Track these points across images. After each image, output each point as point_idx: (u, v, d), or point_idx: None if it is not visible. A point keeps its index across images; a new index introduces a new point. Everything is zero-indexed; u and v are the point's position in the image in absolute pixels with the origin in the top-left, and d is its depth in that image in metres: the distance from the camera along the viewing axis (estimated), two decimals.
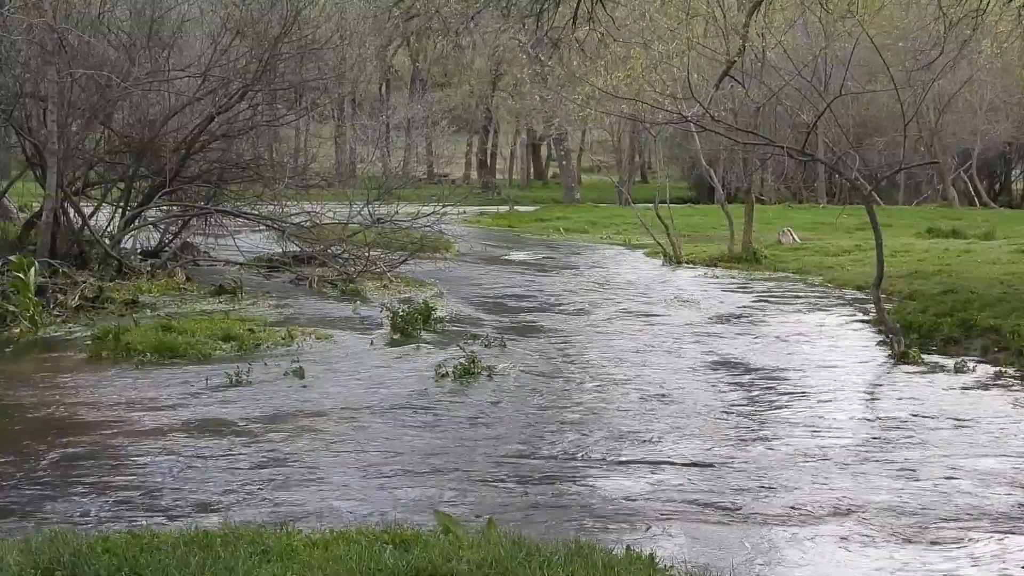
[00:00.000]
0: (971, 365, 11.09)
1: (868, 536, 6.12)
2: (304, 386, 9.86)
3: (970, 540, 6.07)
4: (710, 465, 7.53)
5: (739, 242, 22.75)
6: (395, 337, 12.28)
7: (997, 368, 10.99)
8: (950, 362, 11.27)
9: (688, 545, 5.92)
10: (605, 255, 25.53)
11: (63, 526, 5.81)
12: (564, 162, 50.16)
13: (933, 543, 6.03)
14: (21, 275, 12.73)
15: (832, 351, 12.45)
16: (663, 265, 22.71)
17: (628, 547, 5.42)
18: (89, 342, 11.53)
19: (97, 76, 15.87)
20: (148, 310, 13.61)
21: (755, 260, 21.89)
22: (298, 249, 18.29)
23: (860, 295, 16.64)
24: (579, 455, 7.82)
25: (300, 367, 10.29)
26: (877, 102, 36.92)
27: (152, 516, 6.22)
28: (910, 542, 6.05)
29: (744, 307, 16.08)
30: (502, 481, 7.12)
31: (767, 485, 7.03)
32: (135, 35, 17.68)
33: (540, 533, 5.77)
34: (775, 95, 17.06)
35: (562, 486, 7.09)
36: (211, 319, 12.81)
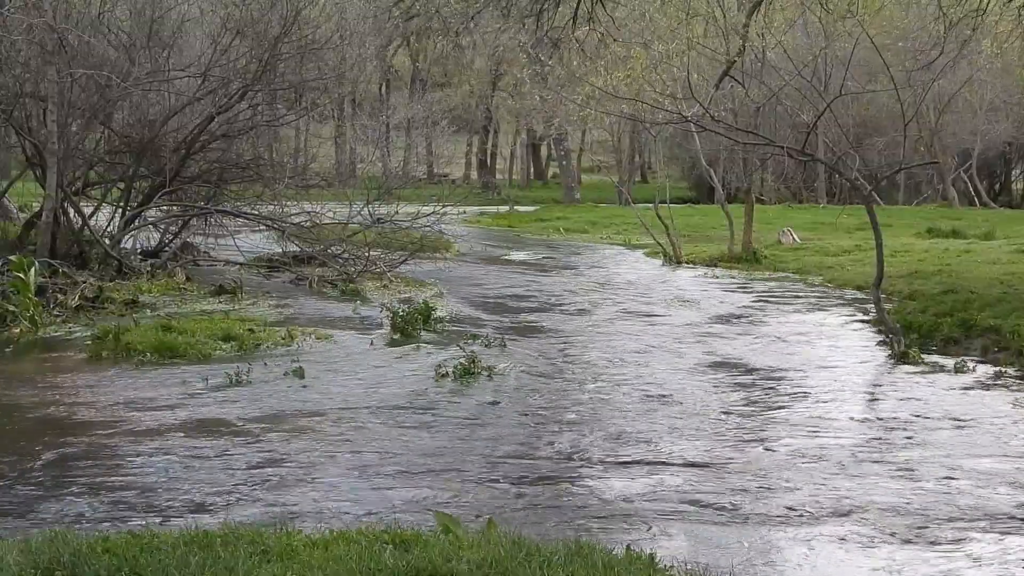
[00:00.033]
0: (971, 365, 11.09)
1: (868, 537, 6.12)
2: (304, 386, 9.86)
3: (970, 540, 6.08)
4: (710, 465, 7.53)
5: (739, 242, 22.75)
6: (395, 337, 12.29)
7: (997, 368, 10.99)
8: (950, 362, 11.27)
9: (688, 545, 5.92)
10: (605, 255, 25.53)
11: (56, 526, 5.81)
12: (564, 162, 50.16)
13: (933, 543, 6.03)
14: (21, 275, 12.73)
15: (832, 351, 12.45)
16: (663, 265, 22.71)
17: (628, 547, 5.42)
18: (89, 342, 11.53)
19: (97, 76, 15.87)
20: (148, 310, 13.61)
21: (755, 260, 21.89)
22: (298, 249, 18.29)
23: (860, 295, 16.64)
24: (579, 455, 7.82)
25: (300, 367, 10.30)
26: (877, 102, 36.92)
27: (146, 516, 6.21)
28: (910, 542, 6.05)
29: (744, 307, 16.08)
30: (502, 481, 7.12)
31: (767, 485, 7.04)
32: (135, 35, 17.68)
33: (540, 533, 5.77)
34: (775, 95, 17.07)
35: (562, 486, 7.09)
36: (211, 319, 12.81)
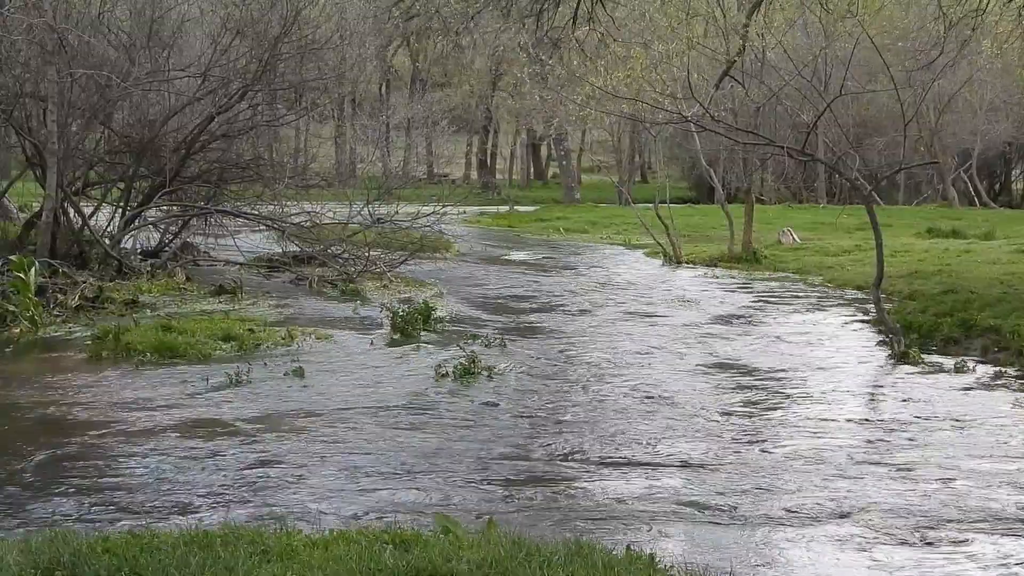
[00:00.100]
0: (971, 365, 11.09)
1: (868, 537, 6.11)
2: (304, 386, 9.87)
3: (970, 542, 6.07)
4: (710, 466, 7.53)
5: (739, 242, 22.75)
6: (395, 337, 12.29)
7: (997, 368, 10.99)
8: (950, 362, 11.27)
9: (688, 546, 5.92)
10: (605, 255, 25.53)
11: (47, 526, 5.83)
12: (564, 162, 50.16)
13: (933, 544, 6.02)
14: (21, 275, 12.73)
15: (832, 351, 12.45)
16: (663, 265, 22.71)
17: (628, 547, 5.42)
18: (89, 342, 11.53)
19: (97, 76, 15.87)
20: (148, 310, 13.61)
21: (755, 260, 21.90)
22: (298, 249, 18.29)
23: (860, 295, 16.64)
24: (579, 456, 7.82)
25: (300, 367, 10.30)
26: (877, 102, 36.92)
27: (140, 516, 6.20)
28: (910, 543, 6.04)
29: (744, 307, 16.08)
30: (502, 481, 7.12)
31: (767, 486, 7.03)
32: (135, 35, 17.68)
33: (540, 533, 5.77)
34: (775, 95, 17.05)
35: (562, 486, 7.09)
36: (211, 319, 12.81)
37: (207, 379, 9.90)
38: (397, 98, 47.68)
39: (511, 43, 26.94)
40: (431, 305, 13.45)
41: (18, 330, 12.22)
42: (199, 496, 6.67)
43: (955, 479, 7.20)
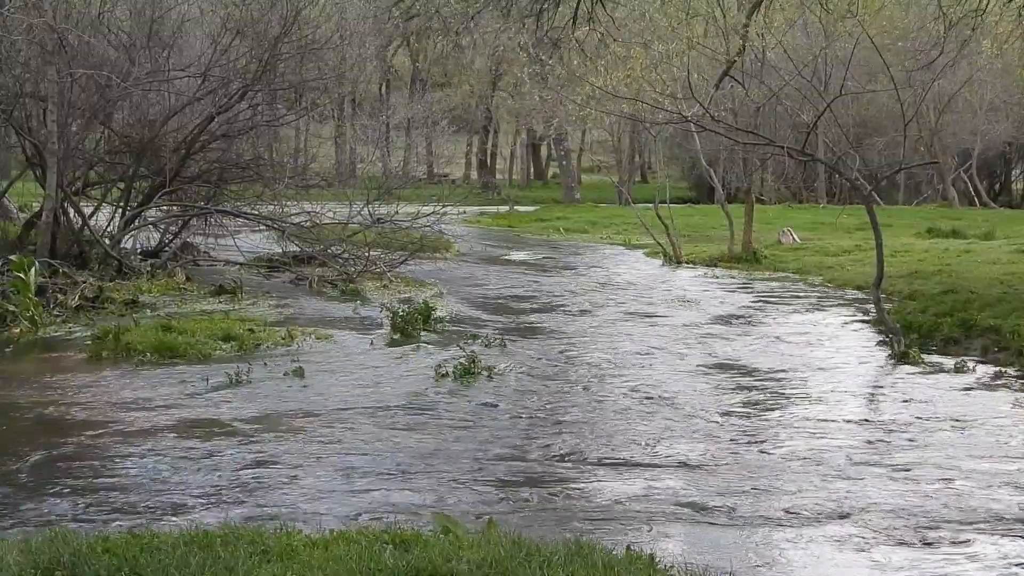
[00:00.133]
0: (971, 365, 11.09)
1: (868, 538, 6.11)
2: (304, 386, 9.87)
3: (971, 542, 6.07)
4: (710, 467, 7.53)
5: (739, 242, 22.75)
6: (395, 337, 12.29)
7: (997, 368, 10.99)
8: (950, 362, 11.27)
9: (688, 546, 5.92)
10: (605, 255, 25.53)
11: (38, 526, 5.83)
12: (564, 162, 50.16)
13: (933, 545, 6.02)
14: (21, 275, 12.73)
15: (832, 351, 12.44)
16: (663, 265, 22.71)
17: (628, 547, 5.42)
18: (89, 342, 11.53)
19: (97, 76, 15.87)
20: (148, 310, 13.61)
21: (755, 260, 21.89)
22: (298, 249, 18.29)
23: (860, 295, 16.64)
24: (579, 456, 7.82)
25: (300, 367, 10.30)
26: (877, 102, 36.91)
27: (133, 516, 6.20)
28: (910, 544, 6.04)
29: (744, 307, 16.08)
30: (502, 481, 7.12)
31: (766, 487, 7.03)
32: (135, 35, 17.68)
33: (540, 533, 5.76)
34: (775, 95, 17.05)
35: (562, 487, 7.09)
36: (211, 319, 12.81)
37: (207, 379, 9.90)
38: (397, 98, 47.67)
39: (511, 43, 26.94)
40: (431, 305, 13.45)
41: (18, 330, 12.22)
42: (196, 496, 6.66)
43: (955, 479, 7.20)
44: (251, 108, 19.26)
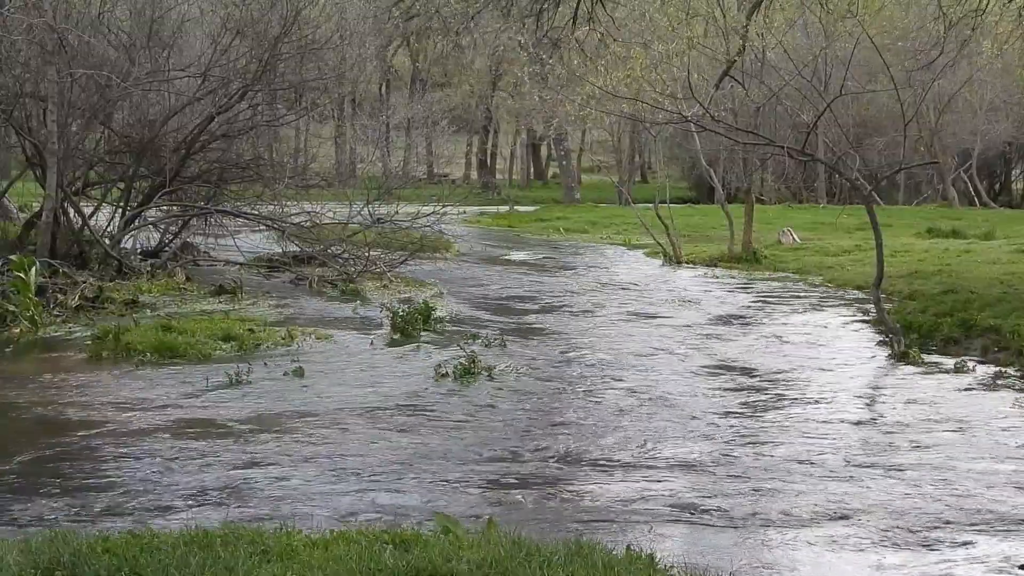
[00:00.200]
0: (971, 365, 11.09)
1: (868, 538, 6.11)
2: (303, 386, 9.87)
3: (971, 543, 6.07)
4: (710, 467, 7.52)
5: (739, 242, 22.75)
6: (395, 337, 12.29)
7: (997, 368, 10.99)
8: (950, 362, 11.27)
9: (688, 547, 5.92)
10: (605, 255, 25.53)
11: (29, 527, 5.83)
12: (564, 162, 50.15)
13: (933, 546, 6.02)
14: (21, 275, 12.73)
15: (832, 351, 12.44)
16: (663, 265, 22.70)
17: (628, 547, 5.42)
18: (89, 342, 11.53)
19: (97, 76, 15.87)
20: (148, 310, 13.61)
21: (755, 260, 21.89)
22: (298, 249, 18.28)
23: (860, 295, 16.64)
24: (578, 456, 7.81)
25: (300, 367, 10.30)
26: (877, 102, 36.89)
27: (132, 518, 6.19)
28: (910, 544, 6.04)
29: (744, 307, 16.08)
30: (502, 481, 7.12)
31: (766, 487, 7.03)
32: (135, 35, 17.67)
33: (540, 533, 5.76)
34: (775, 95, 17.06)
35: (561, 487, 7.09)
36: (211, 319, 12.81)
37: (207, 379, 9.90)
38: (397, 98, 47.66)
39: (511, 43, 26.93)
40: (431, 305, 13.45)
41: (18, 330, 12.22)
42: (194, 497, 6.66)
43: (956, 480, 7.20)
44: (251, 108, 19.25)
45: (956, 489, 6.99)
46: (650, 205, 25.92)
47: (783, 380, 10.70)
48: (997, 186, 49.88)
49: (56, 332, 12.40)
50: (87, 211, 17.47)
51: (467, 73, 51.24)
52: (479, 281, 19.12)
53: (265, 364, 10.60)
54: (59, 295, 13.64)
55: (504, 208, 41.60)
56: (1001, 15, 18.43)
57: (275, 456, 7.58)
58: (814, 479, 7.21)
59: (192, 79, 17.98)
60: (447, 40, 40.47)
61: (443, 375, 10.18)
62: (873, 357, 12.01)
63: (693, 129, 18.40)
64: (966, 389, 10.21)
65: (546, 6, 16.92)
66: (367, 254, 17.78)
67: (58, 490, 6.76)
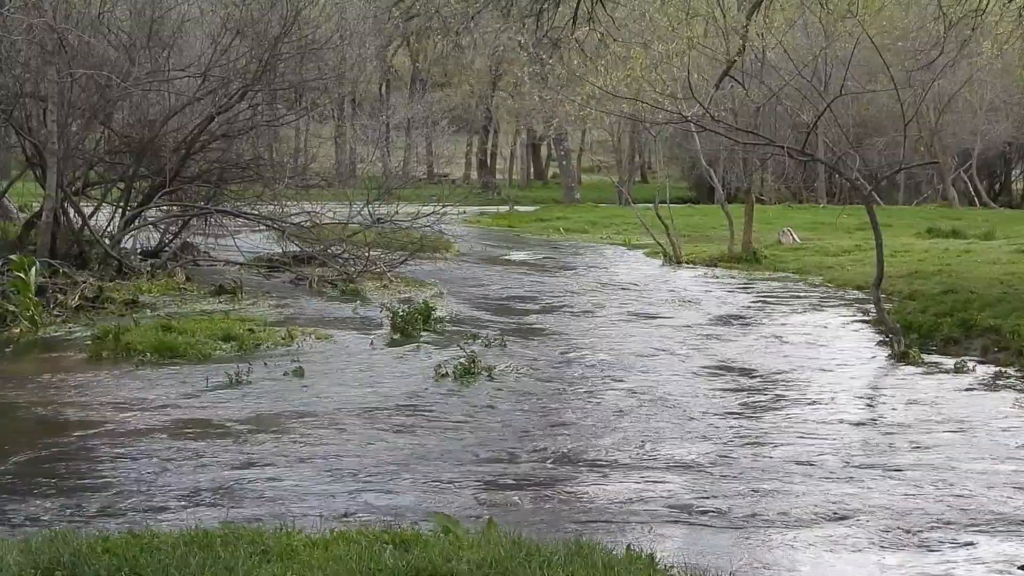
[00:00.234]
0: (971, 365, 11.09)
1: (868, 539, 6.11)
2: (303, 386, 9.87)
3: (971, 543, 6.06)
4: (710, 468, 7.52)
5: (739, 242, 22.75)
6: (395, 337, 12.29)
7: (997, 368, 10.99)
8: (950, 362, 11.27)
9: (688, 547, 5.92)
10: (605, 255, 25.53)
11: (23, 528, 5.83)
12: (564, 162, 50.14)
13: (933, 546, 6.02)
14: (21, 275, 12.73)
15: (832, 351, 12.44)
16: (663, 265, 22.70)
17: (628, 547, 5.42)
18: (89, 342, 11.53)
19: (97, 76, 15.87)
20: (148, 310, 13.61)
21: (755, 260, 21.89)
22: (298, 249, 18.28)
23: (860, 295, 16.64)
24: (578, 457, 7.81)
25: (300, 367, 10.30)
26: (877, 102, 36.88)
27: (129, 518, 6.19)
28: (910, 545, 6.04)
29: (744, 307, 16.08)
30: (502, 482, 7.12)
31: (766, 488, 7.03)
32: (135, 35, 17.67)
33: (540, 533, 5.76)
34: (775, 95, 17.06)
35: (561, 487, 7.09)
36: (211, 319, 12.81)
37: (207, 379, 9.90)
38: (397, 98, 47.65)
39: (511, 43, 26.94)
40: (431, 305, 13.45)
41: (18, 330, 12.22)
42: (193, 497, 6.66)
43: (956, 480, 7.19)
44: (251, 108, 19.25)
45: (956, 490, 6.99)
46: (650, 205, 25.92)
47: (783, 380, 10.70)
48: (997, 186, 49.87)
49: (56, 332, 12.40)
50: (87, 211, 17.47)
51: (467, 73, 51.23)
52: (479, 281, 19.12)
53: (265, 364, 10.60)
54: (59, 295, 13.64)
55: (504, 208, 41.59)
56: (1001, 15, 18.42)
57: (274, 456, 7.58)
58: (814, 480, 7.21)
59: (192, 79, 17.98)
60: (447, 40, 40.43)
61: (443, 375, 10.18)
62: (873, 357, 12.01)
63: (693, 129, 18.40)
64: (966, 389, 10.21)
65: (546, 6, 16.92)
66: (367, 254, 17.78)
67: (55, 490, 6.76)
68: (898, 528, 6.25)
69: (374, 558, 5.00)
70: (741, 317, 15.10)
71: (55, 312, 13.08)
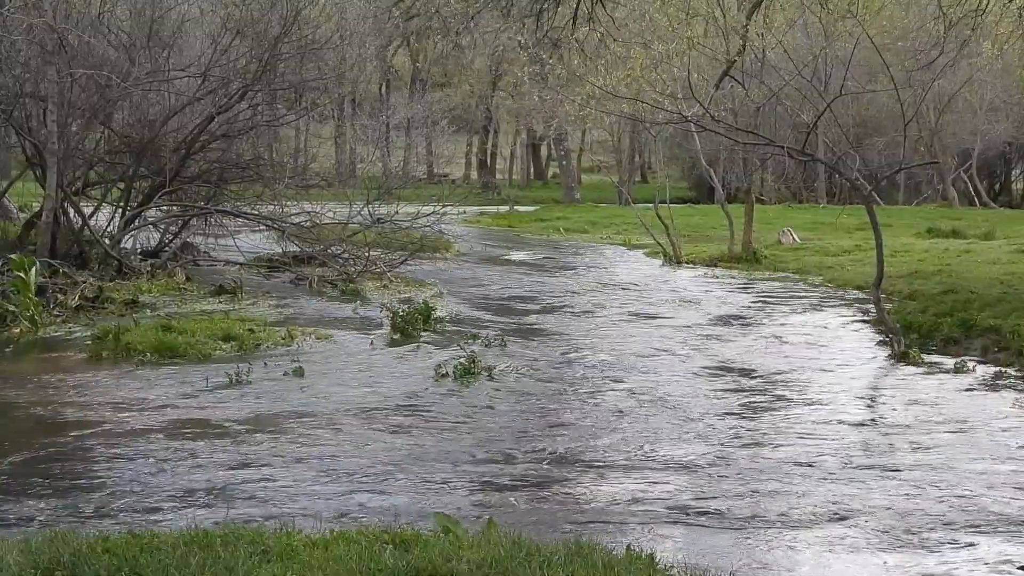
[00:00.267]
0: (971, 365, 11.09)
1: (868, 540, 6.11)
2: (303, 386, 9.86)
3: (970, 544, 6.06)
4: (710, 469, 7.52)
5: (739, 242, 22.74)
6: (395, 337, 12.29)
7: (997, 368, 10.99)
8: (950, 362, 11.27)
9: (688, 547, 5.92)
10: (605, 255, 25.53)
11: (18, 528, 5.82)
12: (564, 162, 50.14)
13: (933, 547, 6.02)
14: (21, 275, 12.73)
15: (832, 352, 12.44)
16: (663, 265, 22.70)
17: (628, 547, 5.42)
18: (89, 342, 11.53)
19: (97, 76, 15.87)
20: (148, 310, 13.61)
21: (755, 260, 21.89)
22: (298, 249, 18.28)
23: (860, 295, 16.64)
24: (578, 456, 7.81)
25: (300, 367, 10.30)
26: (877, 102, 36.89)
27: (126, 519, 6.20)
28: (910, 546, 6.04)
29: (744, 307, 16.08)
30: (502, 481, 7.12)
31: (766, 488, 7.03)
32: (135, 35, 17.68)
33: (540, 533, 5.76)
34: (775, 95, 17.06)
35: (562, 487, 7.09)
36: (211, 319, 12.81)
37: (206, 379, 9.90)
38: (397, 98, 47.66)
39: (511, 43, 26.95)
40: (431, 305, 13.45)
41: (18, 330, 12.22)
42: (191, 497, 6.66)
43: (956, 481, 7.19)
44: (251, 108, 19.25)
45: (956, 490, 6.98)
46: (650, 205, 25.92)
47: (783, 381, 10.70)
48: (997, 186, 49.88)
49: (56, 332, 12.40)
50: (87, 211, 17.47)
51: (467, 73, 51.23)
52: (479, 281, 19.12)
53: (265, 364, 10.60)
54: (59, 295, 13.64)
55: (504, 208, 41.59)
56: (1001, 15, 18.43)
57: (273, 457, 7.57)
58: (814, 480, 7.21)
59: (192, 79, 17.98)
60: (447, 40, 40.43)
61: (443, 375, 10.18)
62: (873, 357, 12.01)
63: (693, 129, 18.40)
64: (966, 389, 10.21)
65: (546, 6, 16.92)
66: (367, 254, 17.78)
67: (55, 490, 6.76)
68: (899, 528, 6.24)
69: (374, 558, 5.00)
70: (741, 317, 15.09)
71: (55, 312, 13.08)
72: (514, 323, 14.26)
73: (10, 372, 10.56)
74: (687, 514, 6.51)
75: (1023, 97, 39.46)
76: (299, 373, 10.18)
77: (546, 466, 7.55)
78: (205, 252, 18.96)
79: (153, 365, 10.66)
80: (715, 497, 6.79)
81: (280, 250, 18.73)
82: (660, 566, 5.21)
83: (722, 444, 8.15)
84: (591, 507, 6.67)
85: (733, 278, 20.14)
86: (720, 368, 11.30)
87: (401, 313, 12.65)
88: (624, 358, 11.81)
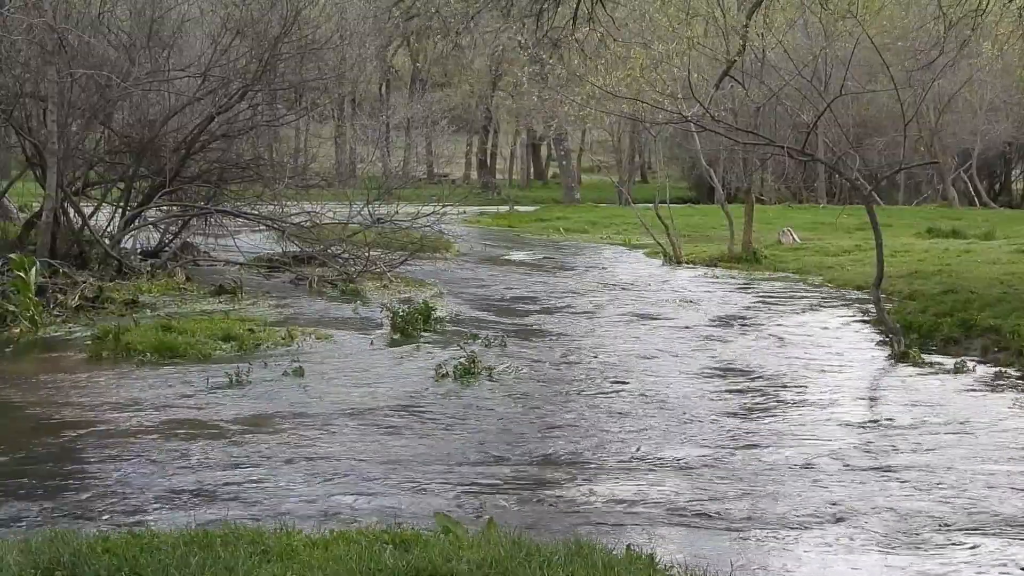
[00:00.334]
0: (971, 365, 11.09)
1: (869, 540, 6.11)
2: (303, 386, 9.86)
3: (970, 544, 6.06)
4: (710, 469, 7.52)
5: (739, 242, 22.75)
6: (395, 337, 12.29)
7: (997, 368, 10.99)
8: (950, 362, 11.27)
9: (688, 548, 5.92)
10: (605, 255, 25.53)
11: (11, 527, 5.82)
12: (564, 162, 50.15)
13: (933, 547, 6.01)
14: (21, 275, 12.73)
15: (832, 352, 12.44)
16: (663, 265, 22.70)
17: (628, 547, 5.42)
18: (89, 342, 11.53)
19: (97, 76, 15.88)
20: (148, 310, 13.61)
21: (755, 260, 21.89)
22: (298, 249, 18.29)
23: (860, 295, 16.64)
24: (578, 457, 7.81)
25: (300, 367, 10.30)
26: (877, 102, 36.90)
27: (110, 518, 6.19)
28: (911, 546, 6.04)
29: (744, 308, 16.07)
30: (502, 481, 7.12)
31: (766, 489, 7.03)
32: (135, 35, 17.69)
33: (540, 533, 5.76)
34: (775, 95, 17.06)
35: (562, 487, 7.09)
36: (211, 319, 12.82)
37: (206, 379, 9.90)
38: (397, 98, 47.66)
39: (511, 43, 26.95)
40: (431, 305, 13.45)
41: (18, 330, 12.22)
42: (190, 497, 6.66)
43: (956, 481, 7.19)
44: (251, 108, 19.26)
45: (957, 491, 6.98)
46: (650, 205, 25.92)
47: (783, 381, 10.69)
48: (997, 186, 49.88)
49: (56, 332, 12.40)
50: (87, 211, 17.48)
51: (467, 73, 51.23)
52: (479, 281, 19.12)
53: (265, 364, 10.61)
54: (59, 295, 13.65)
55: (504, 208, 41.59)
56: (1001, 15, 18.43)
57: (272, 457, 7.57)
58: (814, 481, 7.21)
59: (192, 79, 18.00)
60: (447, 40, 40.41)
61: (443, 375, 10.18)
62: (873, 357, 12.01)
63: (693, 129, 18.40)
64: (966, 389, 10.21)
65: (546, 6, 16.92)
66: (367, 254, 17.79)
67: (54, 490, 6.76)
68: (899, 529, 6.24)
69: (374, 558, 5.00)
70: (741, 317, 15.09)
71: (55, 312, 13.08)
72: (514, 323, 14.26)
73: (10, 372, 10.56)
74: (687, 514, 6.50)
75: (1023, 97, 39.45)
76: (299, 373, 10.18)
77: (546, 466, 7.55)
78: (205, 252, 18.97)
79: (153, 365, 10.66)
80: (716, 497, 6.79)
81: (280, 250, 18.74)
82: (660, 566, 5.21)
83: (722, 445, 8.15)
84: (591, 507, 6.66)
85: (733, 278, 20.14)
86: (720, 368, 11.30)
87: (401, 313, 12.65)
88: (624, 358, 11.81)
